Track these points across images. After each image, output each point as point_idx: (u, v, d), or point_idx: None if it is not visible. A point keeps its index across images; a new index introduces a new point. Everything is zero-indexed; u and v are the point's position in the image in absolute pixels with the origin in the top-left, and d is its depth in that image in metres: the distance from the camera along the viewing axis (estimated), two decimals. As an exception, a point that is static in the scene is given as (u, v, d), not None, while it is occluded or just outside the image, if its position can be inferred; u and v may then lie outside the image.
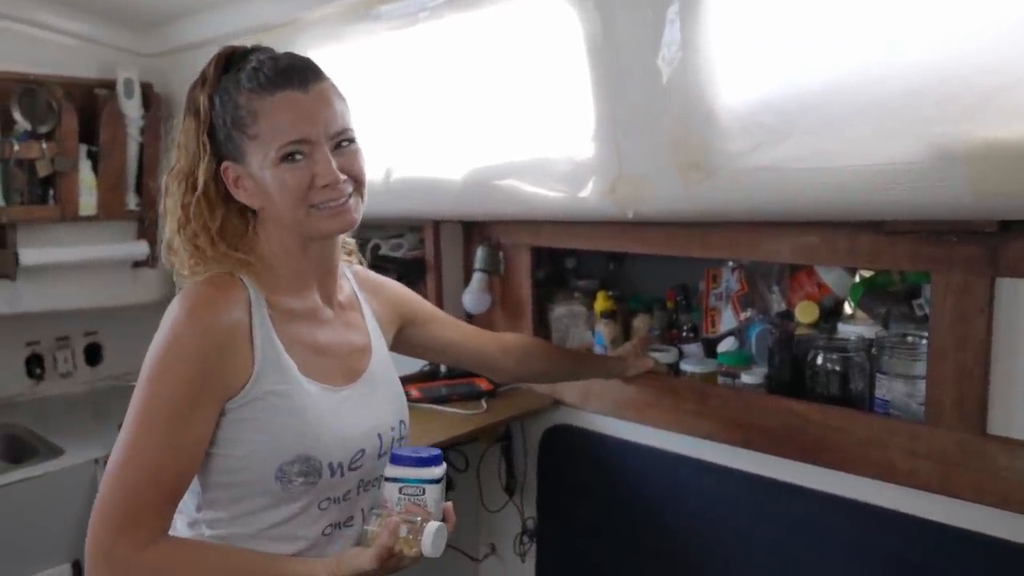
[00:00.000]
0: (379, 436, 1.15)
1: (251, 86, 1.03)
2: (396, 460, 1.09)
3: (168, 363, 1.01)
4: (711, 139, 1.27)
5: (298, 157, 1.04)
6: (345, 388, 1.14)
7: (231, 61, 1.08)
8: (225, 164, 1.07)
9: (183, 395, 1.00)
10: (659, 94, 1.28)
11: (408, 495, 1.06)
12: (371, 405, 1.17)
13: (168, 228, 1.10)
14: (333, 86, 1.09)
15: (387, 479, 1.08)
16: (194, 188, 1.07)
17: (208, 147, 1.06)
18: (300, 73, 1.05)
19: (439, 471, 1.08)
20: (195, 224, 1.07)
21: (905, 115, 1.07)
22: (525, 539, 2.16)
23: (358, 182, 1.09)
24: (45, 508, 1.92)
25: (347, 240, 1.26)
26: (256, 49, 1.09)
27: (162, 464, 1.00)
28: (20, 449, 2.15)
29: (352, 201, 1.08)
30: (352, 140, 1.09)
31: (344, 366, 1.16)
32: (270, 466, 1.05)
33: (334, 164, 1.05)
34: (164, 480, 1.00)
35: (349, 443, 1.11)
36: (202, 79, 1.08)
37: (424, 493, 1.06)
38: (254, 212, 1.11)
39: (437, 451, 1.10)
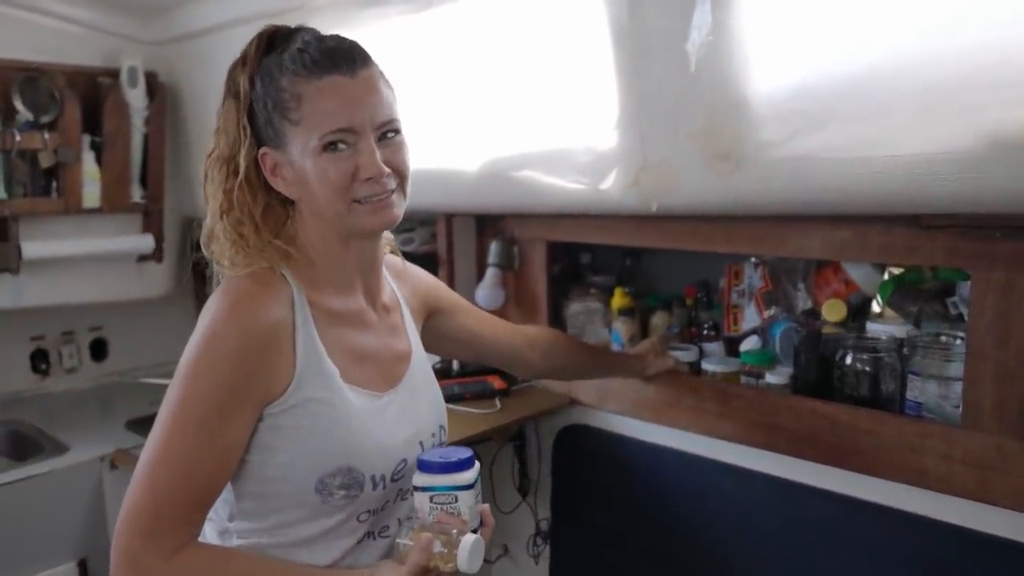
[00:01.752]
0: (420, 444, 1.11)
1: (295, 68, 0.98)
2: (424, 467, 1.02)
3: (206, 363, 0.95)
4: (742, 128, 1.21)
5: (342, 147, 0.98)
6: (386, 394, 1.09)
7: (274, 41, 1.02)
8: (263, 150, 1.02)
9: (220, 398, 0.95)
10: (688, 80, 1.22)
11: (440, 504, 1.00)
12: (412, 411, 1.12)
13: (209, 214, 1.04)
14: (381, 73, 1.03)
15: (416, 488, 1.02)
16: (236, 173, 1.01)
17: (249, 131, 1.01)
18: (348, 57, 0.99)
19: (471, 475, 1.01)
20: (238, 210, 1.02)
21: (954, 101, 1.00)
22: (539, 541, 2.12)
23: (402, 177, 1.04)
24: (50, 506, 1.90)
25: (387, 235, 1.20)
26: (300, 29, 1.03)
27: (194, 469, 0.95)
28: (25, 446, 2.13)
29: (395, 197, 1.03)
30: (398, 131, 1.03)
31: (385, 371, 1.11)
32: (310, 477, 1.00)
33: (379, 156, 0.99)
34: (195, 486, 0.95)
35: (391, 453, 1.06)
36: (243, 59, 1.02)
37: (457, 501, 1.00)
38: (292, 203, 1.06)
39: (468, 452, 1.03)
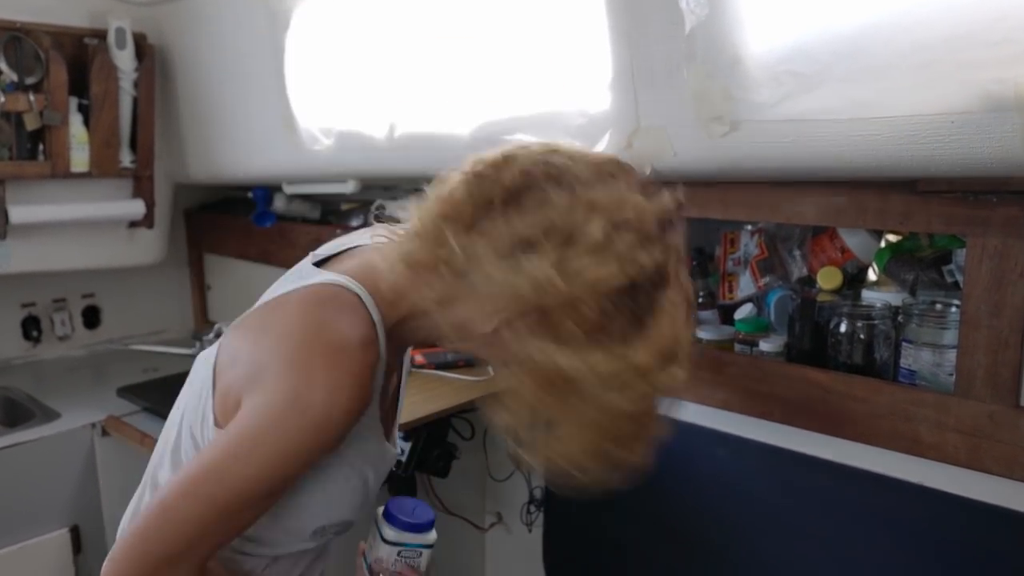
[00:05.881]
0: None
1: None
2: (397, 524, 1.06)
3: (280, 432, 0.81)
4: (736, 89, 1.18)
5: None
6: (387, 442, 1.04)
7: None
8: None
9: (279, 476, 0.83)
10: (681, 40, 1.20)
11: (405, 557, 1.06)
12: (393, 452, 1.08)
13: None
14: None
15: (386, 541, 1.05)
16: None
17: None
18: None
19: (434, 535, 1.08)
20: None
21: (950, 60, 0.98)
22: (532, 508, 2.12)
23: None
24: (41, 473, 1.90)
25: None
26: None
27: (217, 533, 0.84)
28: (16, 412, 2.13)
29: None
30: None
31: (388, 418, 1.06)
32: (312, 525, 0.95)
33: None
34: (211, 545, 0.85)
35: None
36: None
37: (420, 556, 1.07)
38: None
39: (431, 513, 1.09)
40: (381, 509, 1.09)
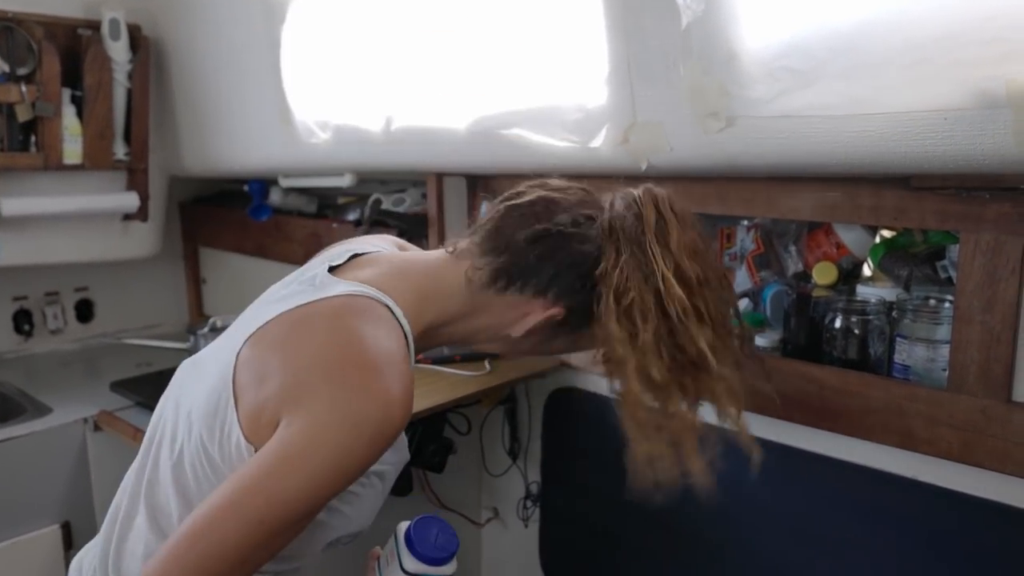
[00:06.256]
0: None
1: None
2: (419, 557, 1.01)
3: (330, 452, 0.80)
4: (732, 85, 1.18)
5: None
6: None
7: None
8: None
9: (323, 495, 0.82)
10: (678, 36, 1.20)
11: None
12: None
13: None
14: None
15: (405, 571, 1.01)
16: None
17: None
18: None
19: (455, 565, 1.04)
20: None
21: (944, 58, 0.98)
22: (528, 503, 2.12)
23: None
24: (33, 468, 1.89)
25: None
26: None
27: (266, 552, 0.83)
28: (7, 407, 2.11)
29: None
30: None
31: None
32: (328, 539, 0.95)
33: None
34: (255, 567, 0.83)
35: None
36: None
37: None
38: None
39: (455, 542, 1.04)
40: (404, 528, 1.03)
